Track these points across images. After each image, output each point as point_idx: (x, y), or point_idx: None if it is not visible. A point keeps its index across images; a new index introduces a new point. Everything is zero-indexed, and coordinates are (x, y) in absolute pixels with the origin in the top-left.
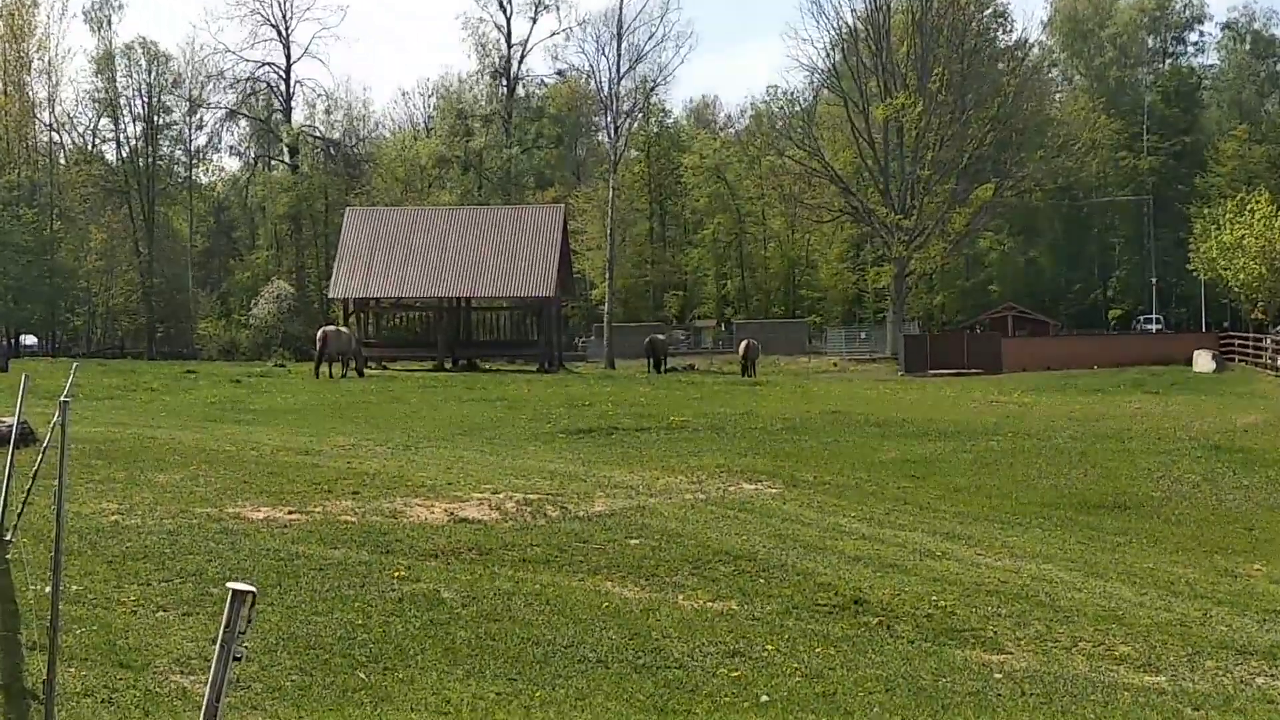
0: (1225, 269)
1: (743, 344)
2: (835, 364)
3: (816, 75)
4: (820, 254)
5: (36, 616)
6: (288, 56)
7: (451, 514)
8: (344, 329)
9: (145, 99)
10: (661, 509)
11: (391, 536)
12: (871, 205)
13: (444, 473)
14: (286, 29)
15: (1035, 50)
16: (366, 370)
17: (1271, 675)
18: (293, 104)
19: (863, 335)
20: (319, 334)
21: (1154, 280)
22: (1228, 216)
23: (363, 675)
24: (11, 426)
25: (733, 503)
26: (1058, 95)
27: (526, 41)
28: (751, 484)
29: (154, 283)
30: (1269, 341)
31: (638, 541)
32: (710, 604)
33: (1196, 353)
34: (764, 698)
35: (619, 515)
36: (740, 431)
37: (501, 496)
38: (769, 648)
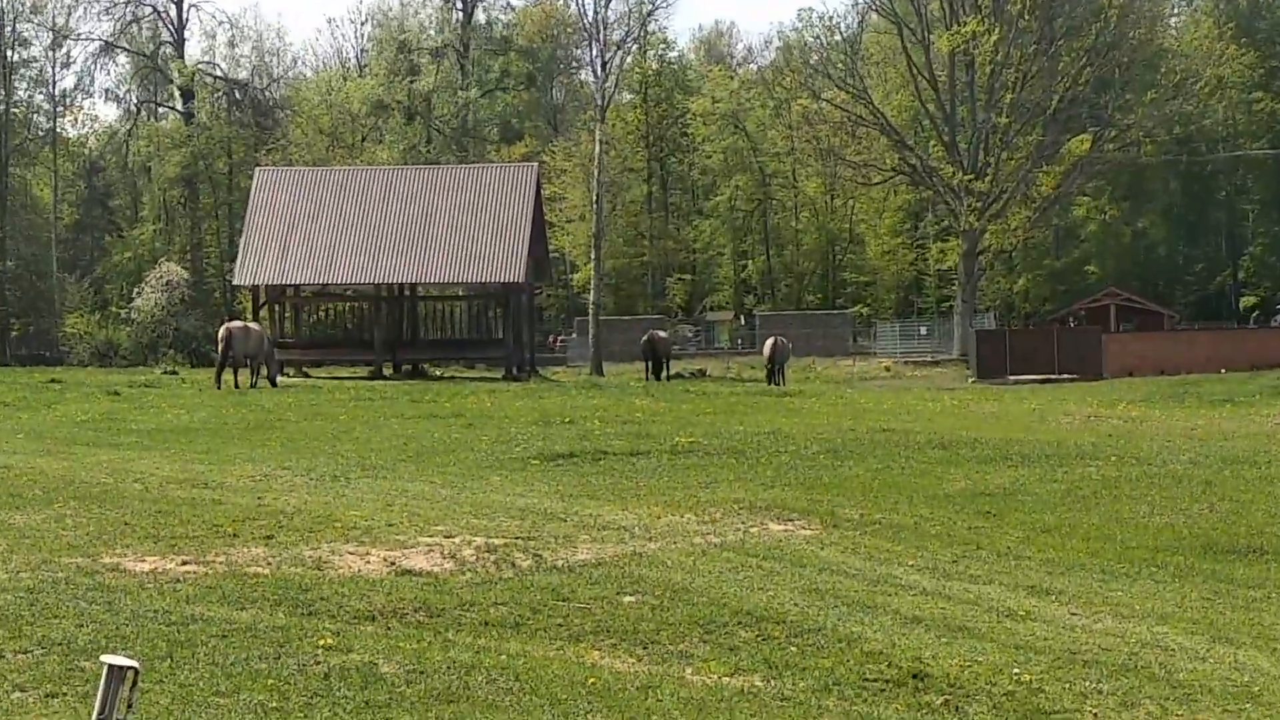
0: None
1: (768, 343)
2: (888, 368)
3: None
4: (868, 226)
5: None
6: None
7: (392, 564)
8: (254, 325)
9: None
10: (664, 557)
11: (315, 594)
12: (934, 163)
13: (383, 511)
14: None
15: None
16: (283, 378)
17: None
18: (186, 35)
19: (923, 331)
20: (222, 332)
21: None
22: None
23: None
24: None
25: (756, 548)
26: (1173, 19)
27: None
28: (780, 524)
29: (8, 266)
30: None
31: (633, 599)
32: (727, 679)
33: None
34: None
35: (609, 565)
36: (765, 456)
37: (457, 541)
38: None
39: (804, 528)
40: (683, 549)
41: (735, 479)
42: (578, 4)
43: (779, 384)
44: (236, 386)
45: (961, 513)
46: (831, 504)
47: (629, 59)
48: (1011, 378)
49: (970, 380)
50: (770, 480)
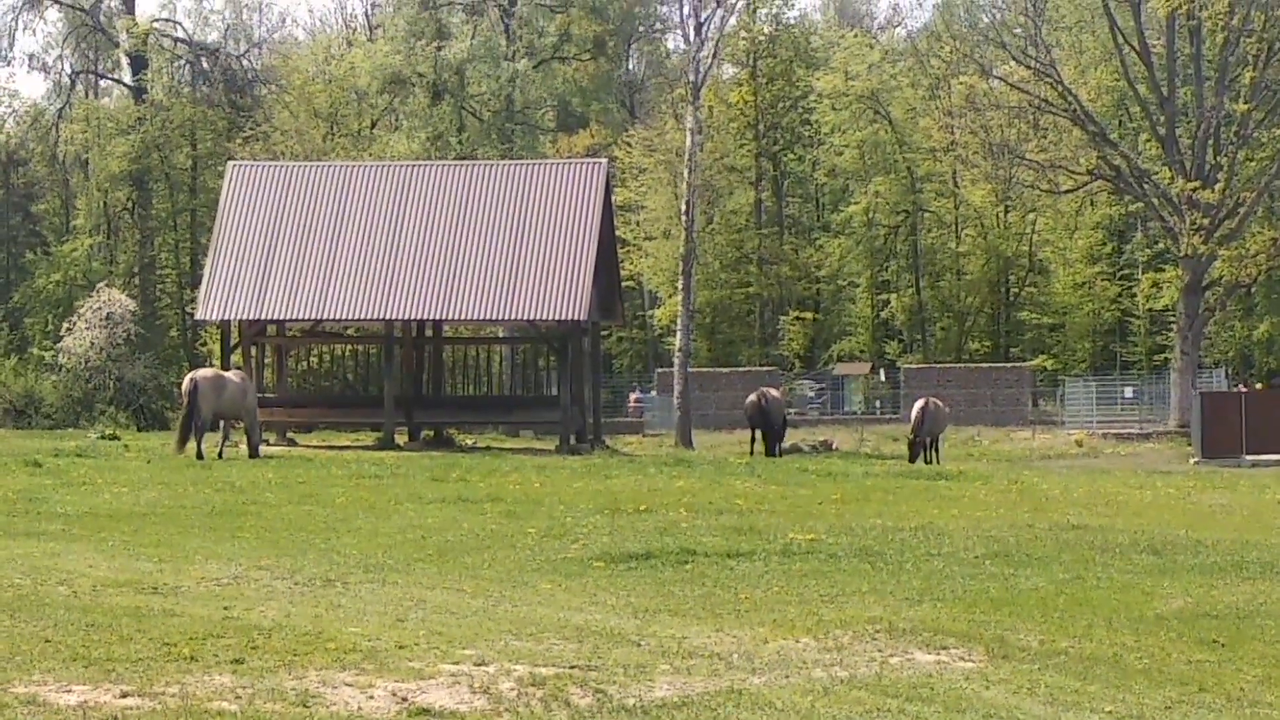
0: None
1: (917, 406)
2: (1080, 442)
3: None
4: (1055, 250)
5: None
6: None
7: (404, 700)
8: (230, 374)
9: None
10: (771, 695)
11: None
12: (1145, 164)
13: (391, 627)
14: None
15: None
16: (264, 446)
17: None
18: None
19: (1128, 393)
20: (186, 383)
21: None
22: None
23: None
24: None
25: (897, 686)
26: None
27: None
28: (930, 653)
29: None
30: None
31: None
32: None
33: None
34: None
35: (696, 706)
36: (911, 560)
37: (492, 670)
38: None
39: (963, 658)
40: (797, 685)
41: (869, 591)
42: None
43: (931, 462)
44: (200, 457)
45: (1178, 642)
46: (1001, 627)
47: (733, 19)
48: (1249, 457)
49: (1193, 461)
50: (917, 594)
